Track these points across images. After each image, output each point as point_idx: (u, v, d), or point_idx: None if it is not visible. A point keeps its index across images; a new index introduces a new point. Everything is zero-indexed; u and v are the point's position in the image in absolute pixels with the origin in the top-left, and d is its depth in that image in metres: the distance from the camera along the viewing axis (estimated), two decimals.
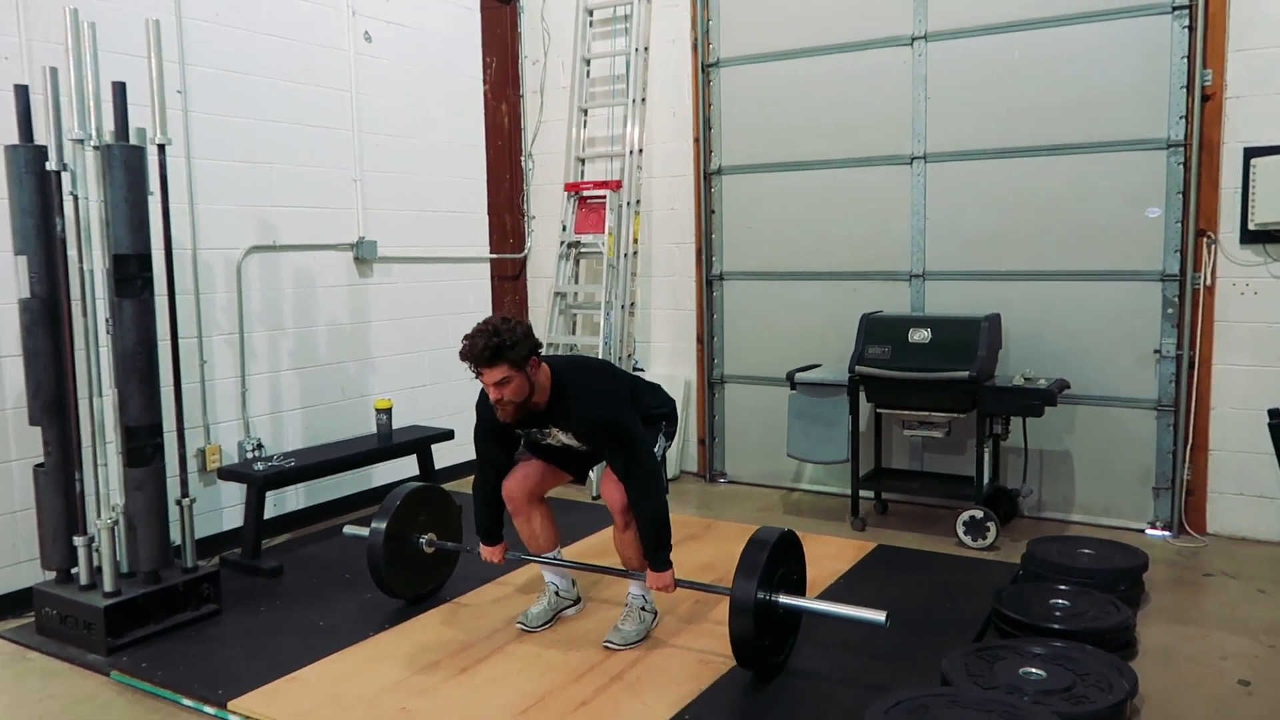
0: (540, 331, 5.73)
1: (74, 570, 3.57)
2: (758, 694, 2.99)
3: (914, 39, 4.99)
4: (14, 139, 3.45)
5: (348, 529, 3.89)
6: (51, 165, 3.36)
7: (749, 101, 5.54)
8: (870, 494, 5.10)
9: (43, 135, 3.41)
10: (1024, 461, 4.77)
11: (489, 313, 6.11)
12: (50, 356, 3.48)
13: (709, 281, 5.74)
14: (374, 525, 3.64)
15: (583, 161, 6.02)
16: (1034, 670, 2.59)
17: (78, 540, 3.50)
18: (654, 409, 3.49)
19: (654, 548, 3.23)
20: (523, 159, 6.40)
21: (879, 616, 2.91)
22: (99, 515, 3.47)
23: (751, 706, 2.89)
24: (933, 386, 4.51)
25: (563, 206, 5.93)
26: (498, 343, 2.97)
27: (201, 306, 4.43)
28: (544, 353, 3.21)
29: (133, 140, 3.49)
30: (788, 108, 5.40)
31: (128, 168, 3.40)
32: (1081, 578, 3.67)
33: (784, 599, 3.01)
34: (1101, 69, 4.58)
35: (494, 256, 6.14)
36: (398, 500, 3.71)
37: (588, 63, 5.99)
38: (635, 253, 5.81)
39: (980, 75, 4.86)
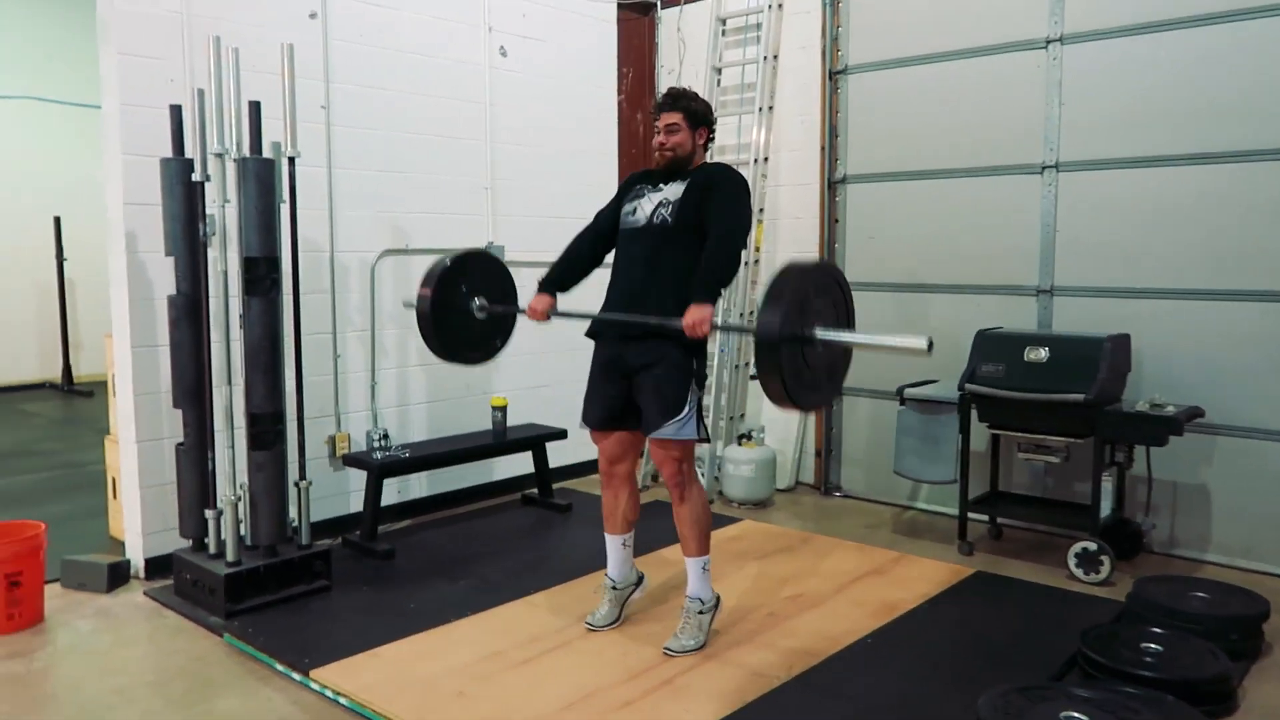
0: None
1: (207, 540, 3.98)
2: (799, 711, 2.96)
3: (1049, 41, 4.75)
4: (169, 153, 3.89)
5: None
6: (196, 177, 3.78)
7: (876, 109, 5.43)
8: (984, 518, 4.90)
9: (192, 150, 3.83)
10: (1148, 493, 4.44)
11: None
12: (191, 347, 3.89)
13: None
14: (420, 291, 3.66)
15: None
16: (1077, 715, 2.45)
17: (209, 513, 3.90)
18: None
19: (706, 279, 3.20)
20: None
21: (920, 342, 2.75)
22: (227, 492, 3.87)
23: (790, 718, 2.88)
24: (1046, 408, 4.28)
25: None
26: (685, 93, 3.44)
27: (337, 304, 4.81)
28: None
29: (267, 154, 3.86)
30: (915, 115, 5.26)
31: (259, 179, 3.76)
32: (1187, 622, 3.40)
33: (819, 332, 2.86)
34: (1253, 70, 4.20)
35: None
36: (446, 263, 3.70)
37: (719, 71, 6.04)
38: (757, 261, 5.81)
39: (1118, 79, 4.57)
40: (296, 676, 3.25)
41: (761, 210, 5.76)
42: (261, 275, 3.82)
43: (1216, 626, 3.39)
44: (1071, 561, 4.24)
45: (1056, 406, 4.24)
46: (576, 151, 5.94)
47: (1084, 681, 3.08)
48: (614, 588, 3.68)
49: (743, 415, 5.87)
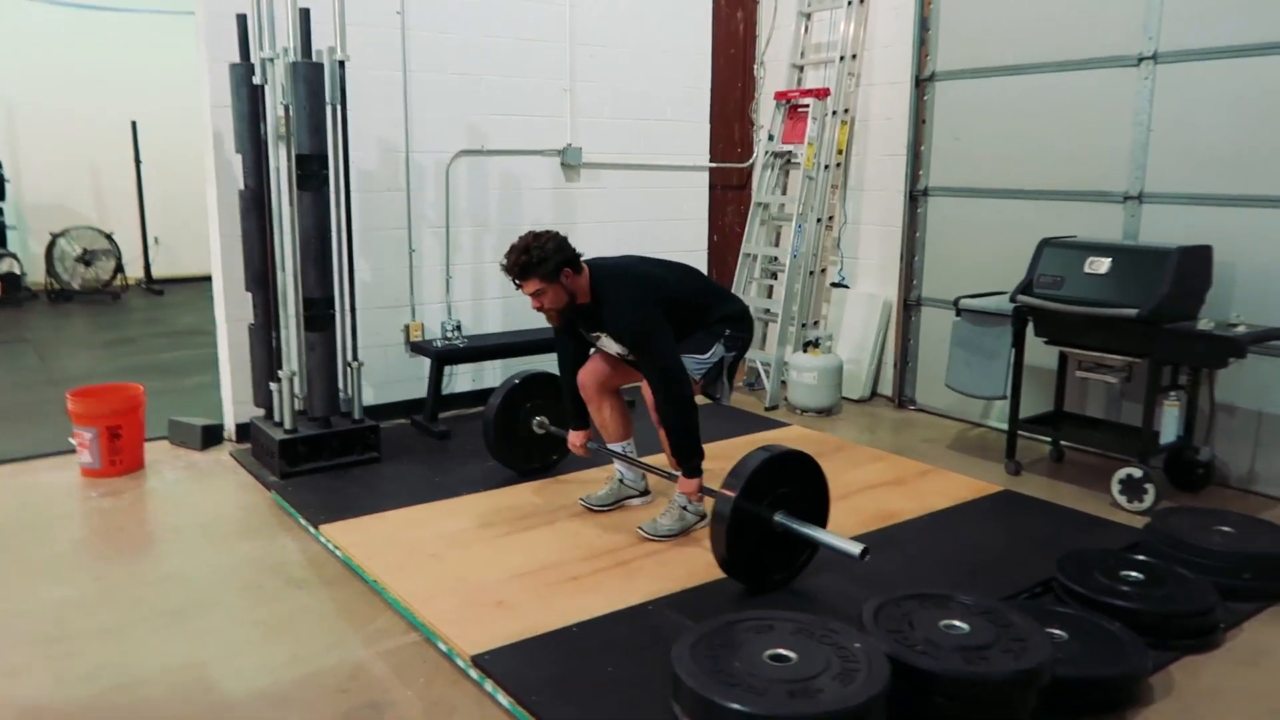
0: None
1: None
2: (729, 599, 3.03)
3: None
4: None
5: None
6: (257, 80, 4.12)
7: None
8: (1047, 439, 4.65)
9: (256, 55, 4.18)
10: (1209, 420, 4.05)
11: (705, 220, 6.28)
12: (257, 237, 4.31)
13: (913, 196, 5.40)
14: (490, 401, 4.13)
15: (800, 69, 5.88)
16: (958, 624, 2.38)
17: (273, 386, 4.37)
18: (717, 318, 3.55)
19: (679, 455, 3.38)
20: (755, 67, 6.37)
21: (855, 549, 2.84)
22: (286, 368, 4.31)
23: (711, 607, 2.92)
24: (1101, 324, 3.98)
25: (771, 115, 5.87)
26: (526, 260, 3.28)
27: (412, 203, 5.13)
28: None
29: (319, 59, 4.14)
30: (1008, 2, 4.85)
31: (307, 81, 4.06)
32: (1196, 556, 3.16)
33: (779, 517, 3.01)
34: None
35: (714, 165, 6.24)
36: (516, 380, 4.15)
37: None
38: (839, 164, 5.63)
39: None
40: (311, 530, 3.66)
41: (846, 110, 5.55)
42: (312, 172, 4.14)
43: (1228, 563, 3.14)
44: (1115, 488, 3.99)
45: (1111, 322, 3.93)
46: (664, 51, 5.88)
47: (1039, 602, 2.97)
48: (620, 480, 3.85)
49: (816, 322, 5.78)
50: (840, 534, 3.15)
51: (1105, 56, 4.48)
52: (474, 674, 2.65)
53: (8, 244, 9.23)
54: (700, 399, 3.52)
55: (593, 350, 3.74)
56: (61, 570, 3.37)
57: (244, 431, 4.73)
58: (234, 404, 4.77)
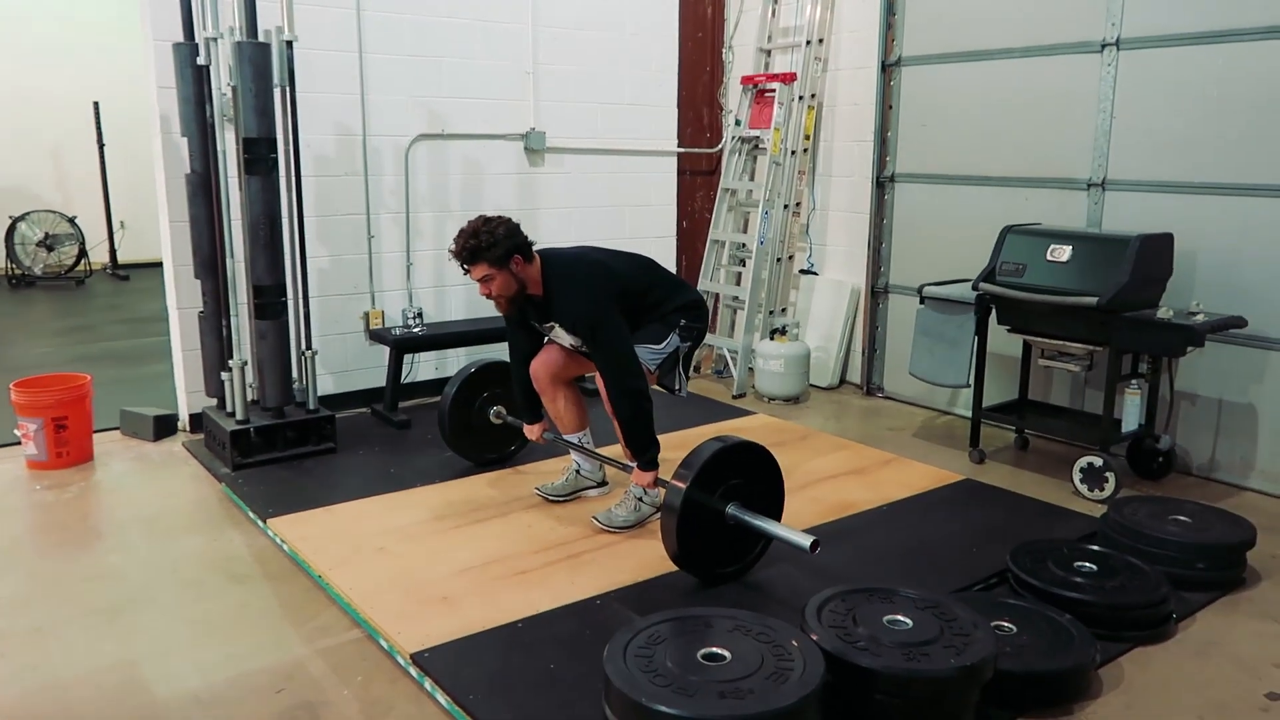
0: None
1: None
2: (680, 593, 2.98)
3: None
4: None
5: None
6: (201, 60, 4.01)
7: None
8: (1012, 428, 4.62)
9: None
10: (1169, 409, 4.03)
11: (673, 206, 6.21)
12: (205, 222, 4.21)
13: (880, 183, 5.35)
14: (445, 390, 4.06)
15: (768, 53, 5.81)
16: (902, 618, 2.34)
17: (224, 375, 4.28)
18: (672, 308, 3.49)
19: (633, 448, 3.33)
20: (724, 51, 6.29)
21: (805, 541, 2.79)
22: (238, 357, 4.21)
23: (661, 601, 2.89)
24: (1060, 312, 3.94)
25: (738, 100, 5.79)
26: (474, 244, 3.19)
27: (370, 188, 5.02)
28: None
29: (266, 38, 4.03)
30: None
31: (253, 62, 3.94)
32: (1151, 546, 3.13)
33: (731, 509, 2.96)
34: None
35: (682, 150, 6.16)
36: (472, 369, 4.08)
37: None
38: (806, 150, 5.56)
39: None
40: (259, 524, 3.58)
41: (813, 96, 5.48)
42: (260, 155, 4.03)
43: (1184, 553, 3.12)
44: (1076, 477, 3.96)
45: (1071, 310, 3.89)
46: (630, 35, 5.79)
47: (992, 594, 2.94)
48: (577, 471, 3.79)
49: (783, 309, 5.73)
50: (797, 525, 3.12)
51: (1069, 43, 4.43)
52: (413, 672, 2.58)
53: None
54: (657, 389, 3.47)
55: (546, 341, 3.68)
56: None
57: (198, 422, 4.63)
58: (188, 394, 4.67)
